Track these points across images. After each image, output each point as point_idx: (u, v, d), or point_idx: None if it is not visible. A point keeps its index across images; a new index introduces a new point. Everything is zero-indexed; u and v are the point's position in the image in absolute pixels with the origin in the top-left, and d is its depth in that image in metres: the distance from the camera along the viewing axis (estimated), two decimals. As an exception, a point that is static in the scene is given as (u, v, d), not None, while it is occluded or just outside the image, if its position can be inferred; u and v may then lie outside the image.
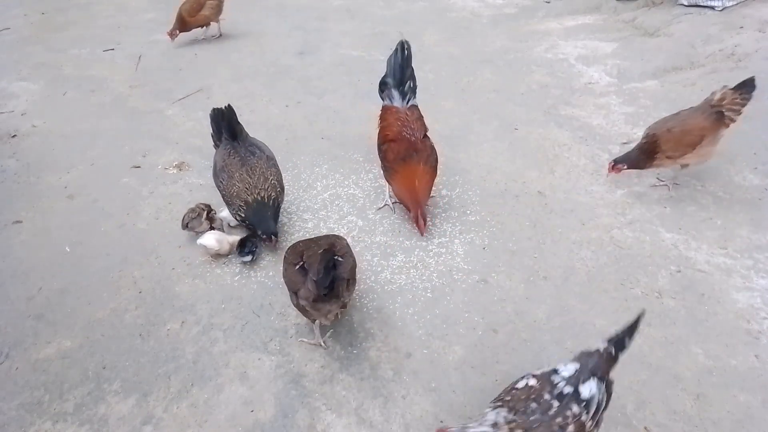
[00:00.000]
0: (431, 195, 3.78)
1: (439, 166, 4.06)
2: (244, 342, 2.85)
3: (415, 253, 3.38)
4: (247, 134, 3.53)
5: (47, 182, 4.06)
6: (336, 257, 2.60)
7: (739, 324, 2.86)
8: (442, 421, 2.47)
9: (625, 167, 3.46)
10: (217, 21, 6.31)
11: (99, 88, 5.37)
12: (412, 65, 3.65)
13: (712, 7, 5.90)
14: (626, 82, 5.14)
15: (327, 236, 2.91)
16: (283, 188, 3.39)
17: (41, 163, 4.26)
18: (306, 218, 3.67)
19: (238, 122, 3.43)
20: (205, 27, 6.28)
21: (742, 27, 5.48)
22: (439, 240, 3.47)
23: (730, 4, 5.84)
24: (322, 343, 2.82)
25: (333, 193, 3.89)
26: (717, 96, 3.40)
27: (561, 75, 5.37)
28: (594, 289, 3.10)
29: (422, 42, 6.17)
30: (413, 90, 3.60)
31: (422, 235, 3.42)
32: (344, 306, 2.67)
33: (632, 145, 4.19)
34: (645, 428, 2.43)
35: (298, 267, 2.61)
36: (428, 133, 3.62)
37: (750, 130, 4.24)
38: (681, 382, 2.60)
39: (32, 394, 2.64)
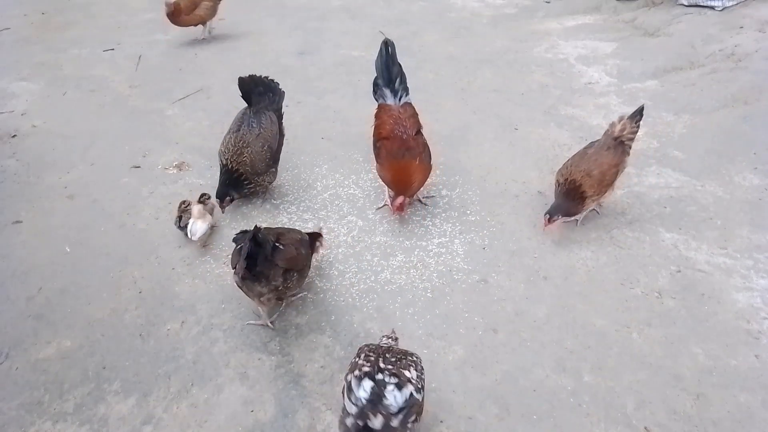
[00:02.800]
0: (432, 195, 3.79)
1: (439, 166, 4.07)
2: (244, 342, 2.85)
3: (415, 253, 3.38)
4: (268, 108, 3.71)
5: (47, 182, 4.06)
6: (277, 243, 2.66)
7: (739, 324, 2.86)
8: (442, 421, 2.48)
9: (559, 217, 3.31)
10: (206, 24, 6.26)
11: (99, 88, 5.36)
12: (400, 63, 3.65)
13: (712, 7, 5.90)
14: (626, 82, 5.14)
15: (288, 228, 2.99)
16: (254, 169, 3.53)
17: (41, 163, 4.26)
18: (306, 218, 3.67)
19: (257, 93, 3.72)
20: (201, 26, 6.25)
21: (742, 27, 5.48)
22: (439, 240, 3.47)
23: (730, 4, 5.84)
24: (269, 324, 2.90)
25: (333, 193, 3.89)
26: (617, 127, 3.35)
27: (561, 75, 5.37)
28: (594, 289, 3.10)
29: (422, 42, 6.18)
30: (405, 88, 3.62)
31: (392, 213, 3.50)
32: (279, 297, 2.79)
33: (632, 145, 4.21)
34: (645, 428, 2.43)
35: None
36: (428, 134, 3.62)
37: (750, 130, 4.25)
38: (681, 382, 2.60)
39: (32, 394, 2.64)
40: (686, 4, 6.09)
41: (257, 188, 3.66)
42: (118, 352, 2.82)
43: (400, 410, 2.01)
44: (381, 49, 3.64)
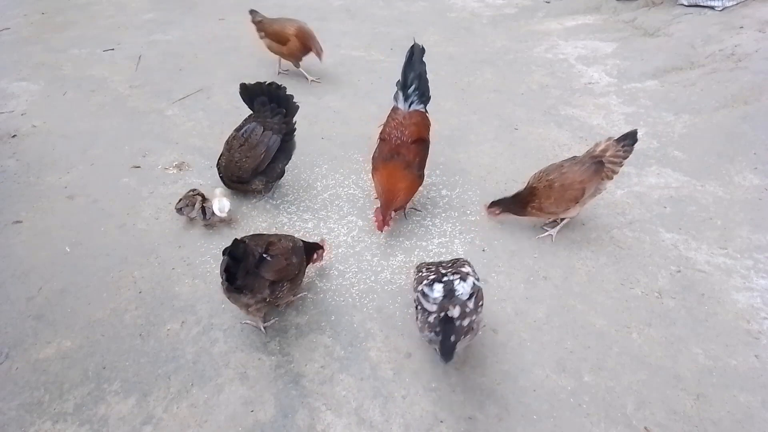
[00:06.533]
0: (417, 208, 3.76)
1: (439, 166, 4.08)
2: (244, 342, 2.85)
3: (415, 253, 3.38)
4: (270, 119, 3.64)
5: (47, 182, 4.06)
6: (265, 255, 2.62)
7: (739, 324, 2.86)
8: (442, 421, 2.48)
9: (499, 211, 3.34)
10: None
11: (99, 88, 5.36)
12: (423, 71, 3.55)
13: (712, 7, 5.90)
14: (626, 82, 5.15)
15: (280, 235, 2.93)
16: (226, 173, 3.70)
17: (41, 163, 4.26)
18: (306, 218, 3.67)
19: (260, 102, 3.68)
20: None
21: (742, 27, 5.49)
22: (439, 240, 3.47)
23: (730, 4, 5.84)
24: (262, 328, 2.88)
25: (333, 193, 3.90)
26: (600, 147, 3.23)
27: (561, 75, 5.38)
28: (594, 289, 3.10)
29: (422, 42, 6.13)
30: (420, 95, 3.53)
31: (379, 231, 3.41)
32: (276, 305, 2.77)
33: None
34: (645, 428, 2.43)
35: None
36: (430, 137, 3.58)
37: (750, 130, 4.25)
38: (681, 382, 2.60)
39: (32, 394, 2.64)
40: (686, 4, 6.10)
41: (230, 187, 3.76)
42: (118, 352, 2.82)
43: (471, 296, 2.42)
44: (407, 52, 3.59)
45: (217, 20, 6.89)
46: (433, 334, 2.37)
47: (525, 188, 3.32)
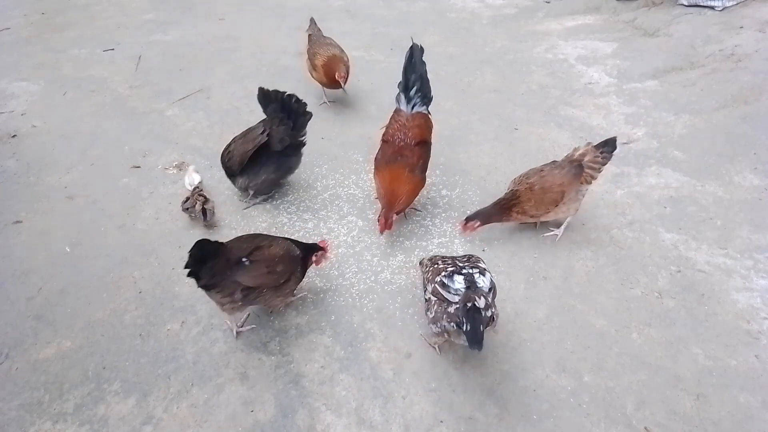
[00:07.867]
0: (417, 208, 3.75)
1: (439, 166, 4.08)
2: (244, 342, 2.85)
3: (415, 253, 3.38)
4: (270, 122, 3.57)
5: (47, 182, 4.06)
6: (244, 259, 2.58)
7: (739, 324, 2.86)
8: (442, 421, 2.48)
9: (479, 224, 3.28)
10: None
11: (99, 88, 5.36)
12: (425, 72, 3.52)
13: (712, 7, 5.90)
14: (626, 83, 5.14)
15: (275, 240, 2.80)
16: (222, 161, 3.70)
17: (41, 163, 4.25)
18: (306, 218, 3.67)
19: (272, 110, 3.62)
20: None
21: (742, 27, 5.49)
22: (439, 240, 3.47)
23: (730, 4, 5.84)
24: (234, 332, 2.87)
25: (333, 193, 3.89)
26: (579, 152, 3.25)
27: (561, 75, 5.38)
28: (594, 289, 3.10)
29: (422, 42, 6.11)
30: (422, 97, 3.50)
31: (380, 233, 3.41)
32: (270, 307, 2.74)
33: (632, 146, 4.23)
34: (645, 428, 2.43)
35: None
36: (431, 138, 3.58)
37: (750, 130, 4.25)
38: (681, 382, 2.60)
39: (32, 394, 2.64)
40: (686, 4, 6.09)
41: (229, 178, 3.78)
42: (118, 352, 2.82)
43: (490, 289, 2.47)
44: (406, 53, 3.57)
45: (217, 20, 6.90)
46: (453, 324, 2.37)
47: (506, 193, 3.33)
